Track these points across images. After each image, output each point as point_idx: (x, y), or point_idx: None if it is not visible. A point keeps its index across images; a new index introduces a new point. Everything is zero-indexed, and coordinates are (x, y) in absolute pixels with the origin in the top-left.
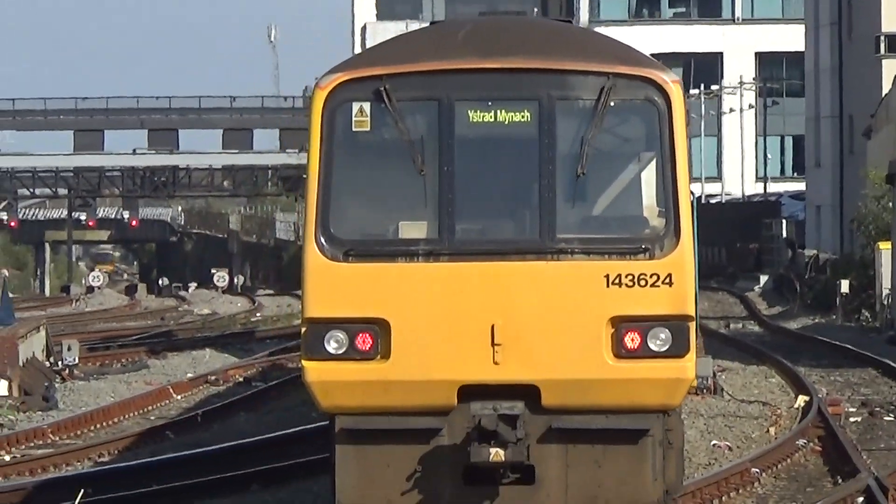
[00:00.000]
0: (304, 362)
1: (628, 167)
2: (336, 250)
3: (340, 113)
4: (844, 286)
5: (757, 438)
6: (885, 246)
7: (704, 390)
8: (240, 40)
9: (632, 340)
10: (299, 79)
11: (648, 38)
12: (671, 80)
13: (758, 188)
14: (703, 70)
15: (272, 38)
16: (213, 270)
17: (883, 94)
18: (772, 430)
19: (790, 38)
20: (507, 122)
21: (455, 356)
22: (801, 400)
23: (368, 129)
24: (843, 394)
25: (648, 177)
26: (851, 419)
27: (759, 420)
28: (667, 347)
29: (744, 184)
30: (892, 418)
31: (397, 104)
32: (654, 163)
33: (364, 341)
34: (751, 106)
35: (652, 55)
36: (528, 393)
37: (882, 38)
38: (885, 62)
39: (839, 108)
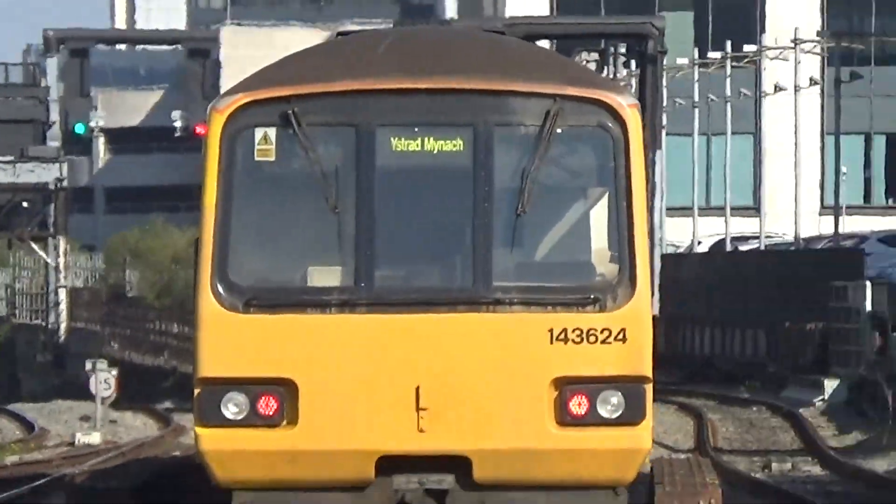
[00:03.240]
0: (197, 429)
1: (576, 205)
2: (235, 299)
3: (241, 140)
4: None
5: None
6: None
7: None
8: None
9: (578, 405)
10: None
11: None
12: (628, 104)
13: (823, 226)
14: (732, 17)
15: None
16: None
17: None
18: None
19: None
20: (436, 152)
21: (373, 422)
22: None
23: (274, 158)
24: None
25: (600, 216)
26: None
27: None
28: (619, 413)
29: (798, 218)
30: None
31: (307, 130)
32: (606, 199)
33: (267, 405)
34: (814, 81)
35: None
36: (457, 465)
37: None
38: None
39: None
